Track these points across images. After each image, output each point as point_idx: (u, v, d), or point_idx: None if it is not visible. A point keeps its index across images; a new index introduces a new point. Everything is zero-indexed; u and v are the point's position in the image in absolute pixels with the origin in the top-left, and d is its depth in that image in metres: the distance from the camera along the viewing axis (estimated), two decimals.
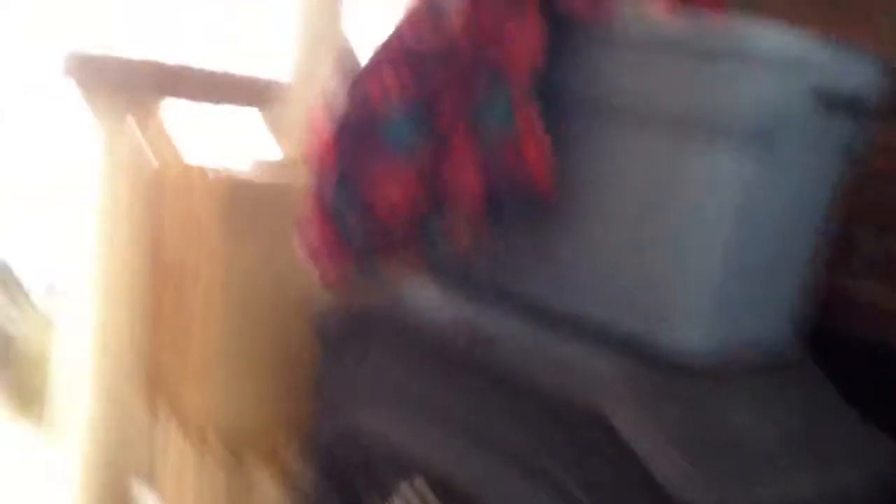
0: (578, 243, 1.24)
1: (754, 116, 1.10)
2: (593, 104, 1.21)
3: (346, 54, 2.13)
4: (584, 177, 1.22)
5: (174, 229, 1.90)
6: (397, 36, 1.39)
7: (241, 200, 1.79)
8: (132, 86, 1.99)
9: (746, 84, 1.09)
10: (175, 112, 2.10)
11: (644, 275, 1.16)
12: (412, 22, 1.37)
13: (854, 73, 1.20)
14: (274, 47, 2.31)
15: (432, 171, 1.32)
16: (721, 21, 1.12)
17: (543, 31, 1.21)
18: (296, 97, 2.13)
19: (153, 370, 1.89)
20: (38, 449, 2.42)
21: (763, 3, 1.42)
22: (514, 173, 1.22)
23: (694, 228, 1.13)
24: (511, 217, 1.27)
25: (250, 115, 2.22)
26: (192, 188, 1.86)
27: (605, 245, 1.21)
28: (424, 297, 1.43)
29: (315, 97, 2.04)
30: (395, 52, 1.37)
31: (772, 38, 1.09)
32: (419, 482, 1.35)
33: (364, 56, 1.42)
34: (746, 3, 1.45)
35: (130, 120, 1.98)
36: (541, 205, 1.24)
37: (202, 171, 1.86)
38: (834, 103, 1.15)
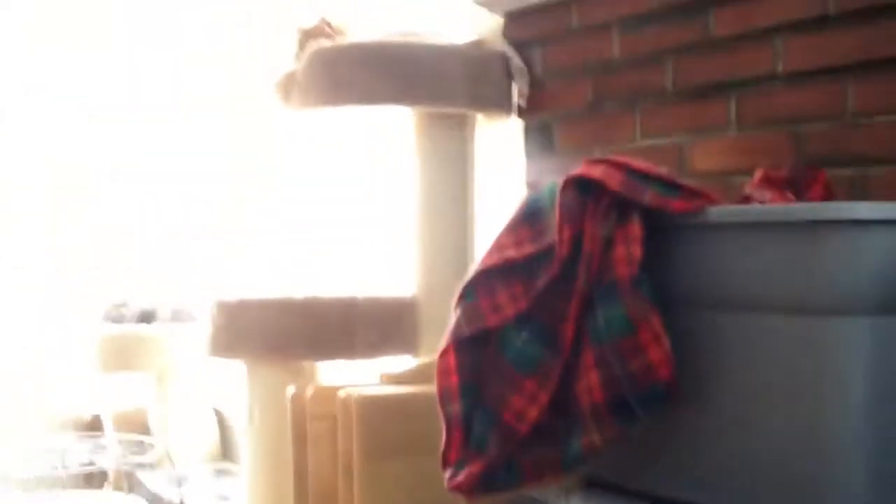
0: (710, 433, 1.18)
1: (875, 285, 1.04)
2: (705, 295, 1.18)
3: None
4: (709, 368, 1.18)
5: (315, 451, 1.93)
6: (497, 246, 1.42)
7: (375, 417, 1.81)
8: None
9: (861, 254, 1.04)
10: None
11: (781, 457, 1.09)
12: (511, 231, 1.40)
13: None
14: (399, 263, 2.41)
15: (555, 379, 1.31)
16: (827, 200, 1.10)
17: (646, 235, 1.22)
18: (422, 310, 2.19)
19: None
20: None
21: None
22: (637, 376, 1.20)
23: (830, 406, 1.06)
24: (638, 416, 1.24)
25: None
26: (329, 408, 1.91)
27: (738, 432, 1.15)
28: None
29: (439, 310, 2.12)
30: (497, 261, 1.39)
31: (882, 206, 1.05)
32: None
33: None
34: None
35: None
36: (667, 401, 1.20)
37: (336, 391, 1.90)
38: None
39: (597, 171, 1.31)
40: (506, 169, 2.31)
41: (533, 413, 1.33)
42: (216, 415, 3.43)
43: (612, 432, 1.25)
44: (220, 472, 3.05)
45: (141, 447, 2.57)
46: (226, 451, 3.39)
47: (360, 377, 2.41)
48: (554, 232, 1.32)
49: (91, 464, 2.36)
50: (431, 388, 1.76)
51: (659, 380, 1.19)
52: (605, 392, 1.24)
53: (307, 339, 2.19)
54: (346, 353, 2.22)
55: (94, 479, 2.58)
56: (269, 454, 2.28)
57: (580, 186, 1.31)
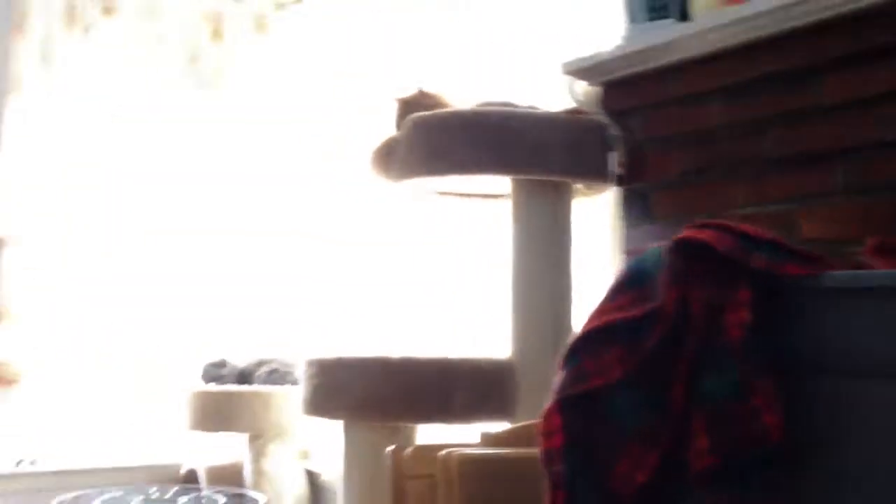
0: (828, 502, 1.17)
1: None
2: (823, 360, 1.17)
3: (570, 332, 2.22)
4: (826, 434, 1.17)
5: None
6: (600, 310, 1.43)
7: (476, 477, 1.81)
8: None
9: None
10: None
11: None
12: (615, 295, 1.41)
13: None
14: (494, 326, 2.44)
15: (663, 443, 1.30)
16: None
17: (759, 299, 1.22)
18: (519, 374, 2.21)
19: None
20: None
21: None
22: (749, 440, 1.19)
23: None
24: (750, 482, 1.23)
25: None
26: (429, 468, 1.92)
27: (856, 501, 1.13)
28: None
29: (536, 374, 2.13)
30: (601, 324, 1.41)
31: None
32: None
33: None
34: None
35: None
36: (781, 467, 1.19)
37: (436, 450, 1.92)
38: None
39: (704, 235, 1.32)
40: (602, 237, 2.33)
41: (639, 477, 1.33)
42: (307, 474, 3.46)
43: (725, 499, 1.24)
44: None
45: (241, 500, 2.61)
46: None
47: (458, 438, 2.43)
48: (659, 295, 1.33)
49: None
50: (532, 451, 1.77)
51: (772, 444, 1.18)
52: (715, 457, 1.23)
53: (404, 400, 2.22)
54: (443, 415, 2.24)
55: None
56: None
57: (687, 249, 1.32)
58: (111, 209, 3.66)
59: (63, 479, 3.37)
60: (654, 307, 1.33)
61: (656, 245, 1.43)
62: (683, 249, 1.32)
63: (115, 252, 3.65)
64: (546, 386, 1.93)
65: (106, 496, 2.34)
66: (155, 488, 2.48)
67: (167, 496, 2.44)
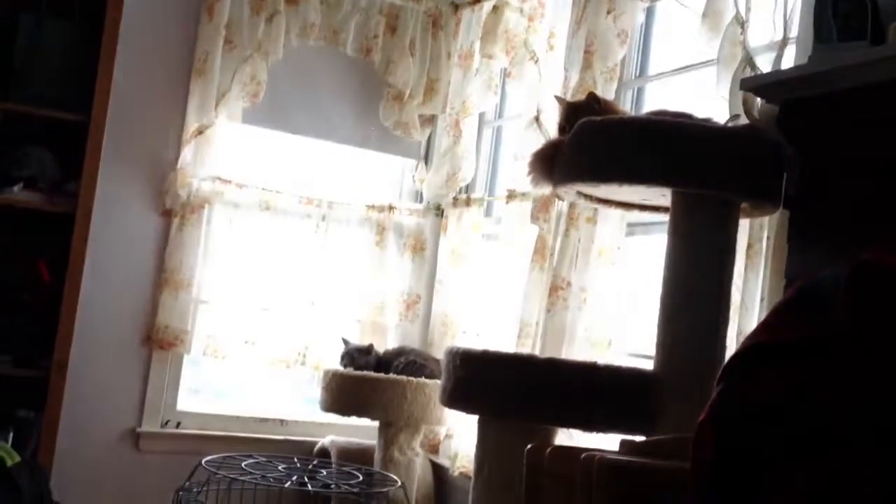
0: None
1: None
2: None
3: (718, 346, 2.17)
4: None
5: None
6: (767, 327, 1.41)
7: (617, 484, 1.80)
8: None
9: None
10: None
11: None
12: (785, 314, 1.39)
13: None
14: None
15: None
16: None
17: None
18: (664, 387, 2.18)
19: None
20: None
21: None
22: None
23: None
24: None
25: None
26: (568, 469, 1.92)
27: None
28: None
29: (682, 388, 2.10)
30: (768, 341, 1.38)
31: None
32: None
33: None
34: None
35: None
36: None
37: (577, 452, 1.91)
38: None
39: (893, 259, 1.29)
40: (764, 258, 2.28)
41: None
42: (434, 467, 3.51)
43: None
44: None
45: (379, 478, 2.67)
46: (439, 502, 3.46)
47: (596, 444, 2.42)
48: (836, 320, 1.30)
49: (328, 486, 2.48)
50: (674, 464, 1.75)
51: None
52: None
53: (546, 402, 2.22)
54: (583, 421, 2.23)
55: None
56: None
57: (873, 274, 1.29)
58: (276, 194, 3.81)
59: (206, 443, 3.53)
60: (828, 331, 1.30)
61: (832, 269, 1.40)
62: (868, 274, 1.29)
63: (276, 230, 3.80)
64: (691, 401, 1.91)
65: (251, 461, 2.44)
66: (296, 458, 2.56)
67: (309, 466, 2.52)
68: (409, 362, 3.34)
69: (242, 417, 3.87)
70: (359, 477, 2.53)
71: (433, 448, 3.59)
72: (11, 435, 2.89)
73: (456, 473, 3.26)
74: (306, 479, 2.37)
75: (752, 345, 1.44)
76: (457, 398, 2.40)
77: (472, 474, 2.47)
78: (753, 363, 1.42)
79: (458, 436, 3.25)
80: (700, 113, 2.31)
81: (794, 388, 1.34)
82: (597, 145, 2.26)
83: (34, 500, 2.57)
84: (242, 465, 2.40)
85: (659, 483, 1.80)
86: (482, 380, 2.32)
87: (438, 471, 3.50)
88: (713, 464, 1.42)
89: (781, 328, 1.41)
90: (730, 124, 2.27)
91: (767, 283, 2.22)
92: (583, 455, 1.89)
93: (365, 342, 3.57)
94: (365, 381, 3.21)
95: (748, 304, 2.25)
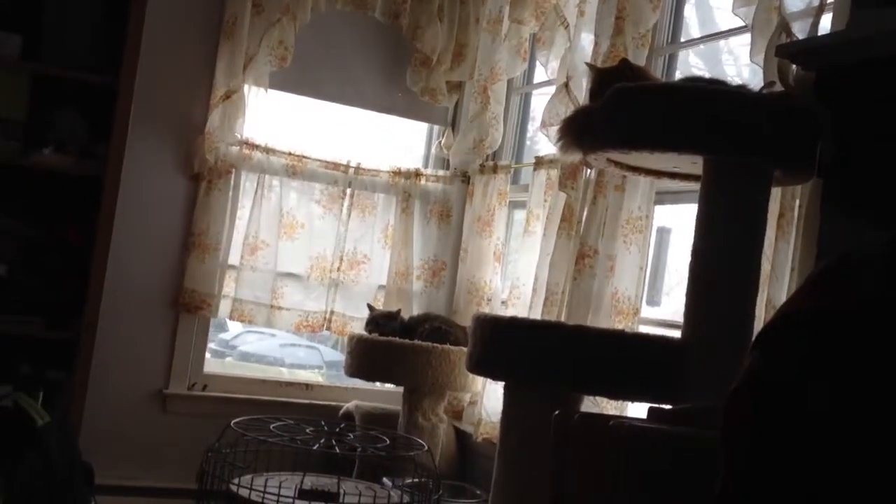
0: None
1: None
2: None
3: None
4: None
5: (575, 477, 1.95)
6: (804, 296, 1.39)
7: (645, 451, 1.80)
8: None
9: None
10: None
11: None
12: (821, 284, 1.37)
13: None
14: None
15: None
16: None
17: None
18: (693, 355, 2.17)
19: None
20: None
21: None
22: None
23: None
24: None
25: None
26: (595, 436, 1.93)
27: None
28: None
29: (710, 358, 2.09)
30: (802, 312, 1.37)
31: None
32: None
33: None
34: None
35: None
36: None
37: (604, 419, 1.92)
38: None
39: None
40: (795, 227, 2.25)
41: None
42: (458, 433, 3.53)
43: None
44: (457, 490, 3.14)
45: (405, 442, 2.68)
46: (462, 468, 3.48)
47: (624, 412, 2.42)
48: (874, 291, 1.28)
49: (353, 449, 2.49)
50: (702, 432, 1.74)
51: None
52: None
53: (574, 369, 2.22)
54: (611, 389, 2.23)
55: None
56: (521, 476, 2.32)
57: None
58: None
59: (232, 405, 3.56)
60: (866, 302, 1.29)
61: (868, 238, 1.38)
62: None
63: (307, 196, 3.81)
64: (719, 370, 1.90)
65: (279, 423, 2.46)
66: (322, 422, 2.58)
67: (336, 430, 2.54)
68: (434, 329, 3.35)
69: (268, 381, 3.91)
70: (385, 441, 2.55)
71: (457, 414, 3.60)
72: (42, 395, 2.93)
73: (479, 440, 3.27)
74: (333, 442, 2.39)
75: (788, 312, 1.42)
76: (484, 364, 2.41)
77: (495, 441, 2.48)
78: (790, 331, 1.40)
79: (482, 402, 3.26)
80: (734, 80, 2.28)
81: (829, 358, 1.33)
82: (629, 111, 2.23)
83: (63, 460, 2.61)
84: (270, 427, 2.42)
85: (687, 451, 1.80)
86: (510, 346, 2.33)
87: (462, 437, 3.51)
88: (745, 432, 1.41)
89: (818, 296, 1.39)
90: (764, 91, 2.24)
91: (798, 252, 2.20)
92: (610, 422, 1.90)
93: (390, 309, 3.58)
94: (390, 346, 3.22)
95: (778, 273, 2.23)
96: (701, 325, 2.18)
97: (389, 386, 3.77)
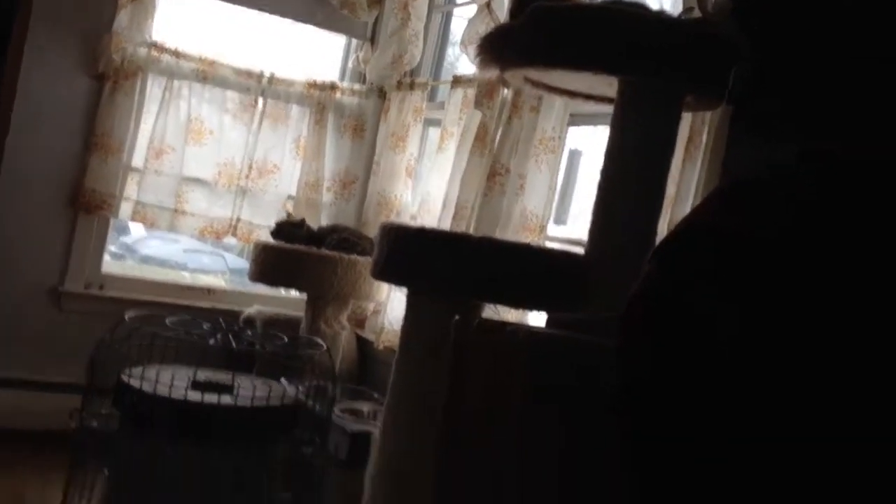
0: None
1: None
2: None
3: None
4: None
5: (471, 383, 1.98)
6: (700, 211, 1.43)
7: (542, 357, 1.83)
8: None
9: None
10: None
11: None
12: (717, 199, 1.41)
13: None
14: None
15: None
16: None
17: None
18: (595, 269, 2.21)
19: None
20: None
21: None
22: None
23: None
24: None
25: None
26: (493, 343, 1.95)
27: None
28: None
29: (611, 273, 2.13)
30: (700, 227, 1.41)
31: None
32: None
33: None
34: None
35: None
36: None
37: (502, 325, 1.94)
38: None
39: (833, 147, 1.30)
40: (702, 152, 2.30)
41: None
42: (359, 341, 3.55)
43: None
44: (356, 393, 3.15)
45: (304, 343, 2.67)
46: (363, 374, 3.51)
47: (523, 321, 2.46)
48: (774, 211, 1.31)
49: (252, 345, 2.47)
50: (600, 341, 1.78)
51: None
52: None
53: (478, 279, 2.24)
54: (514, 299, 2.26)
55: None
56: (418, 381, 2.35)
57: (820, 161, 1.30)
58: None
59: (129, 306, 3.49)
60: (764, 220, 1.32)
61: (772, 164, 1.41)
62: (816, 160, 1.30)
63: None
64: (620, 285, 1.95)
65: (175, 319, 2.42)
66: (221, 319, 2.55)
67: (234, 328, 2.51)
68: (342, 239, 3.34)
69: (168, 284, 3.85)
70: (284, 339, 2.54)
71: (360, 323, 3.62)
72: None
73: (381, 347, 3.29)
74: (231, 338, 2.36)
75: (688, 226, 1.46)
76: (388, 271, 2.40)
77: (396, 348, 2.50)
78: (686, 244, 1.44)
79: (386, 312, 3.28)
80: (654, 5, 2.29)
81: (724, 275, 1.36)
82: (549, 28, 2.23)
83: None
84: (166, 321, 2.38)
85: (585, 359, 1.83)
86: (416, 254, 2.33)
87: (364, 345, 3.54)
88: (639, 340, 1.45)
89: (718, 214, 1.43)
90: (683, 17, 2.26)
91: (704, 175, 2.25)
92: (508, 328, 1.92)
93: (298, 217, 3.54)
94: (296, 253, 3.20)
95: (683, 195, 2.29)
96: (605, 241, 2.21)
97: (293, 294, 3.75)
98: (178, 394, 2.18)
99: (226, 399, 2.18)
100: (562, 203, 3.00)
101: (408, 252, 2.34)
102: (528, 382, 1.83)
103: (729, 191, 1.48)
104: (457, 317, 2.07)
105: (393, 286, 3.09)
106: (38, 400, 3.43)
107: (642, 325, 1.45)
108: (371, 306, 3.55)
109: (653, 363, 1.43)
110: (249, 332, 2.55)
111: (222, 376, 2.37)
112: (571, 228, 3.18)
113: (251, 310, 3.57)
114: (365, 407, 2.99)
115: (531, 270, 2.23)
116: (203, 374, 2.29)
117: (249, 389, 2.30)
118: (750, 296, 1.32)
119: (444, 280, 2.28)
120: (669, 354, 1.40)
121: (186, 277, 3.86)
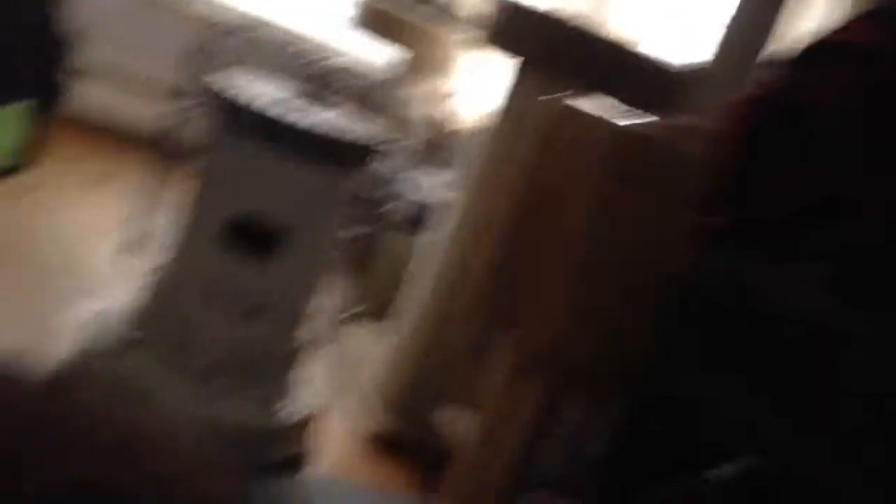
0: None
1: None
2: None
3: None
4: None
5: (557, 165, 1.98)
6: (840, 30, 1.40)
7: (626, 148, 1.81)
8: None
9: None
10: None
11: None
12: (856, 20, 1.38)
13: None
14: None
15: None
16: None
17: None
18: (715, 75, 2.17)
19: (502, 293, 1.95)
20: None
21: None
22: None
23: None
24: None
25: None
26: (578, 128, 1.93)
27: None
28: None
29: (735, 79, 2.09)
30: (836, 46, 1.38)
31: None
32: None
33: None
34: None
35: None
36: None
37: (590, 115, 1.91)
38: None
39: None
40: None
41: (795, 203, 1.35)
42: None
43: None
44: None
45: None
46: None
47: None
48: None
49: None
50: (690, 146, 1.76)
51: None
52: None
53: (583, 62, 2.20)
54: (617, 90, 2.22)
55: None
56: (504, 156, 2.34)
57: None
58: None
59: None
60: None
61: None
62: None
63: None
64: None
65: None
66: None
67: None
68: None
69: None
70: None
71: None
72: None
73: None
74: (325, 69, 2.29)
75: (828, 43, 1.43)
76: (499, 40, 2.37)
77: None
78: (805, 63, 1.42)
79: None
80: None
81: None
82: None
83: None
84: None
85: (668, 159, 1.82)
86: (525, 27, 2.29)
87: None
88: (736, 150, 1.46)
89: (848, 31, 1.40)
90: None
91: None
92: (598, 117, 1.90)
93: None
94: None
95: None
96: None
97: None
98: (274, 109, 2.05)
99: (321, 120, 2.07)
100: None
101: (519, 24, 2.30)
102: (609, 169, 1.81)
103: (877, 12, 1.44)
104: (544, 96, 2.05)
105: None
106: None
107: (744, 125, 1.45)
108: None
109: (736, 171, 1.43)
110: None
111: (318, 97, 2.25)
112: None
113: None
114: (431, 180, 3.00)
115: (633, 69, 2.20)
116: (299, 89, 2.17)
117: (340, 119, 2.18)
118: None
119: (551, 59, 2.25)
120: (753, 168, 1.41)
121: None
